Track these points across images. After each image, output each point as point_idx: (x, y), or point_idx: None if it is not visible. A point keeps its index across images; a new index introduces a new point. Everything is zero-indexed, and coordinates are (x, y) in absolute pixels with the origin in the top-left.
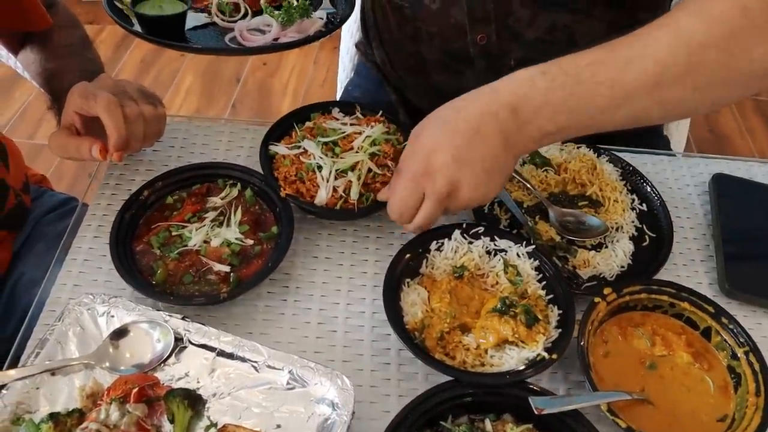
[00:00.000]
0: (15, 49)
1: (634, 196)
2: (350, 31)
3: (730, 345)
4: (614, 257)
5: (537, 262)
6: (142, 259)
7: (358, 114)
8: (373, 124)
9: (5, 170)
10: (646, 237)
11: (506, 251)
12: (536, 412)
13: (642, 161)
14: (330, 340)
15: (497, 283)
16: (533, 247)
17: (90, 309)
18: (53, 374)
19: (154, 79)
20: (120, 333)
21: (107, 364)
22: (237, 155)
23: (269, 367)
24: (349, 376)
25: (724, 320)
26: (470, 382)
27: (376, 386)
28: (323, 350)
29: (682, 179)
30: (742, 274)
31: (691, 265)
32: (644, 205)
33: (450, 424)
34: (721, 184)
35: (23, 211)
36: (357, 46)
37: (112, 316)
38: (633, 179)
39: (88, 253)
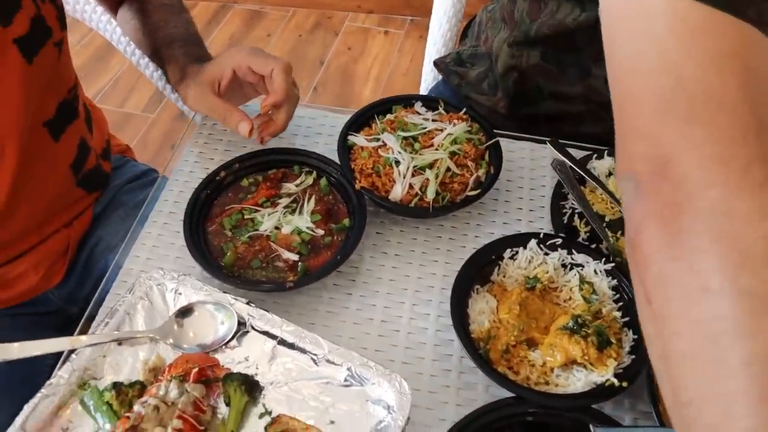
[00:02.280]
0: (113, 8)
1: None
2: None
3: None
4: None
5: (615, 282)
6: (214, 240)
7: (441, 110)
8: (455, 121)
9: (89, 133)
10: None
11: (583, 266)
12: None
13: None
14: (392, 339)
15: (570, 298)
16: (612, 264)
17: (159, 284)
18: (120, 344)
19: None
20: (186, 311)
21: (171, 341)
22: (315, 142)
23: (328, 361)
24: (407, 379)
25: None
26: (532, 401)
27: (435, 392)
28: (384, 349)
29: None
30: None
31: None
32: None
33: None
34: None
35: (102, 175)
36: (436, 63)
37: (180, 294)
38: None
39: (162, 227)
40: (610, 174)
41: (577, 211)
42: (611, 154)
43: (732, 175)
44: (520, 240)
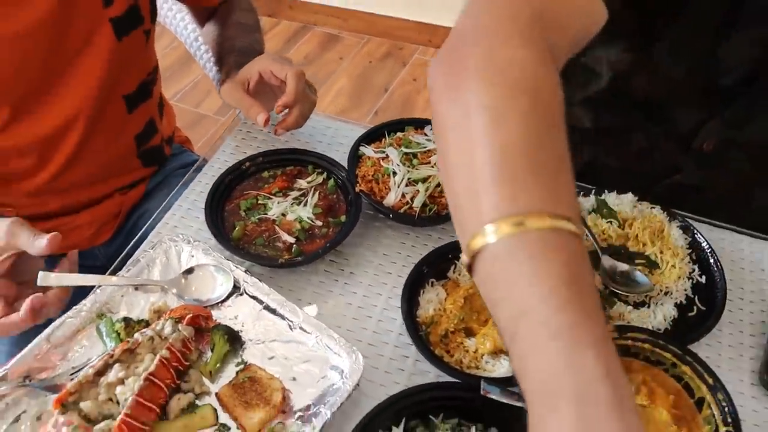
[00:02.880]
0: (202, 21)
1: (696, 267)
2: None
3: (716, 421)
4: (652, 319)
5: None
6: (229, 217)
7: (426, 124)
8: None
9: (158, 117)
10: (695, 308)
11: None
12: (482, 393)
13: (720, 236)
14: (364, 323)
15: None
16: None
17: (177, 246)
18: (136, 289)
19: (312, 75)
20: (192, 270)
21: (175, 291)
22: (336, 150)
23: (302, 329)
24: (367, 358)
25: (720, 396)
26: (456, 379)
27: (390, 373)
28: (355, 330)
29: (759, 263)
30: None
31: (737, 347)
32: (704, 277)
33: (439, 421)
34: None
35: (161, 156)
36: None
37: (192, 256)
38: (700, 250)
39: (192, 203)
40: (591, 212)
41: None
42: (598, 193)
43: (497, 36)
44: None
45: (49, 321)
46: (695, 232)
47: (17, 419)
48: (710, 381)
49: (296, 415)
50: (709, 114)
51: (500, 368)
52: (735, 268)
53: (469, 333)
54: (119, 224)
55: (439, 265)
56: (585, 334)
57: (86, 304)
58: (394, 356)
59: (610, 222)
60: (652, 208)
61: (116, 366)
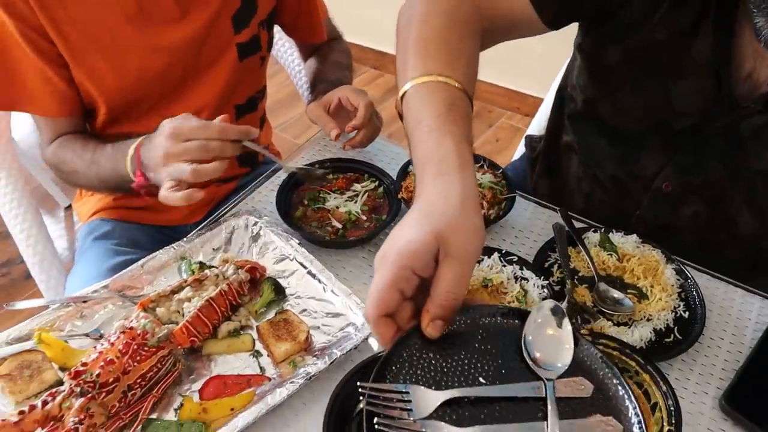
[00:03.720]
0: (306, 57)
1: (682, 304)
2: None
3: (663, 421)
4: (629, 336)
5: (546, 293)
6: (295, 204)
7: (484, 165)
8: (490, 173)
9: (258, 128)
10: (672, 336)
11: (528, 280)
12: None
13: (716, 285)
14: None
15: (514, 301)
16: (546, 282)
17: (251, 219)
18: (214, 249)
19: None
20: (258, 236)
21: (242, 252)
22: (391, 166)
23: (332, 292)
24: None
25: (670, 402)
26: None
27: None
28: None
29: (747, 314)
30: (745, 397)
31: (706, 376)
32: (687, 313)
33: None
34: None
35: (254, 160)
36: (527, 137)
37: (260, 227)
38: (689, 291)
39: (269, 192)
40: (596, 245)
41: (558, 261)
42: (606, 231)
43: None
44: (487, 251)
45: None
46: (689, 276)
47: (111, 318)
48: (664, 388)
49: (314, 353)
50: (668, 157)
51: None
52: (723, 314)
53: None
54: (210, 209)
55: None
56: (450, 131)
57: (174, 247)
58: None
59: (611, 254)
60: (653, 249)
61: (187, 288)
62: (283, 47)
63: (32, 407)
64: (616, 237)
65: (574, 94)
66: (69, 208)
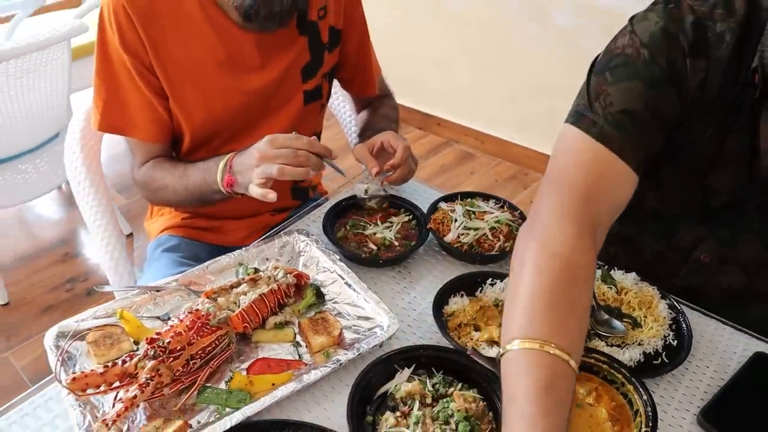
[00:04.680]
0: (359, 109)
1: (672, 333)
2: None
3: (642, 424)
4: (620, 355)
5: None
6: (340, 227)
7: (504, 206)
8: (509, 212)
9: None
10: (660, 359)
11: None
12: (468, 353)
13: (707, 322)
14: (409, 311)
15: None
16: None
17: (301, 238)
18: (267, 259)
19: (443, 182)
20: (304, 252)
21: (290, 262)
22: (425, 204)
23: (364, 299)
24: (404, 331)
25: (649, 408)
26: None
27: (416, 340)
28: (401, 314)
29: (733, 348)
30: (721, 415)
31: (689, 396)
32: (675, 342)
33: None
34: (759, 361)
35: (305, 194)
36: None
37: (308, 244)
38: (679, 322)
39: (317, 218)
40: (597, 279)
41: None
42: (608, 269)
43: (566, 223)
44: (500, 276)
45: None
46: (680, 311)
47: (178, 306)
48: (645, 397)
49: (345, 346)
50: (707, 231)
51: (490, 352)
52: (711, 346)
53: (477, 329)
54: (264, 234)
55: (470, 284)
56: (542, 426)
57: (234, 254)
58: (423, 336)
59: (611, 287)
60: (652, 287)
61: (244, 285)
62: (338, 100)
63: (114, 363)
64: (617, 274)
65: None
66: (129, 236)
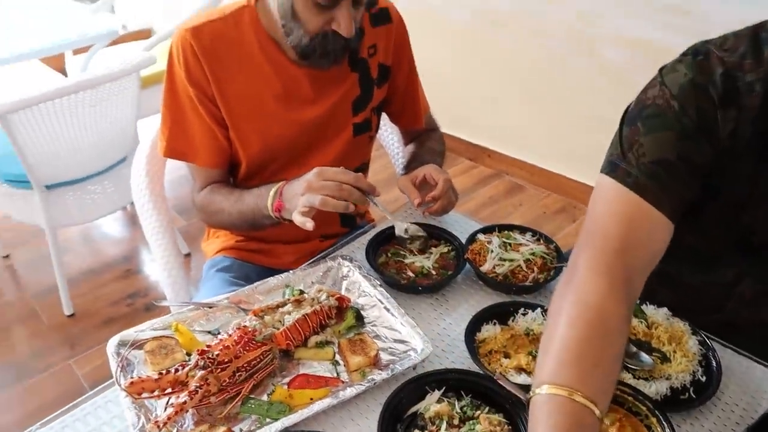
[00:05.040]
0: (406, 142)
1: (701, 369)
2: None
3: None
4: (646, 388)
5: None
6: (380, 255)
7: (540, 239)
8: (544, 245)
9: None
10: (687, 394)
11: None
12: (495, 378)
13: (737, 359)
14: (443, 336)
15: None
16: None
17: (345, 263)
18: (312, 284)
19: (491, 213)
20: (347, 276)
21: (334, 286)
22: (463, 235)
23: (401, 324)
24: (437, 355)
25: None
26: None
27: (447, 363)
28: (435, 338)
29: (764, 386)
30: None
31: (719, 430)
32: (704, 378)
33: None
34: None
35: (353, 222)
36: None
37: (351, 269)
38: (709, 359)
39: (361, 246)
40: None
41: None
42: (640, 303)
43: (599, 276)
44: (532, 306)
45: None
46: (711, 347)
47: (228, 322)
48: (668, 430)
49: (380, 367)
50: (749, 267)
51: (517, 379)
52: (741, 384)
53: (507, 356)
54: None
55: (503, 313)
56: None
57: (281, 277)
58: (455, 357)
59: (641, 321)
60: (683, 323)
61: (289, 305)
62: (387, 132)
63: (167, 371)
64: (648, 308)
65: None
66: (187, 255)
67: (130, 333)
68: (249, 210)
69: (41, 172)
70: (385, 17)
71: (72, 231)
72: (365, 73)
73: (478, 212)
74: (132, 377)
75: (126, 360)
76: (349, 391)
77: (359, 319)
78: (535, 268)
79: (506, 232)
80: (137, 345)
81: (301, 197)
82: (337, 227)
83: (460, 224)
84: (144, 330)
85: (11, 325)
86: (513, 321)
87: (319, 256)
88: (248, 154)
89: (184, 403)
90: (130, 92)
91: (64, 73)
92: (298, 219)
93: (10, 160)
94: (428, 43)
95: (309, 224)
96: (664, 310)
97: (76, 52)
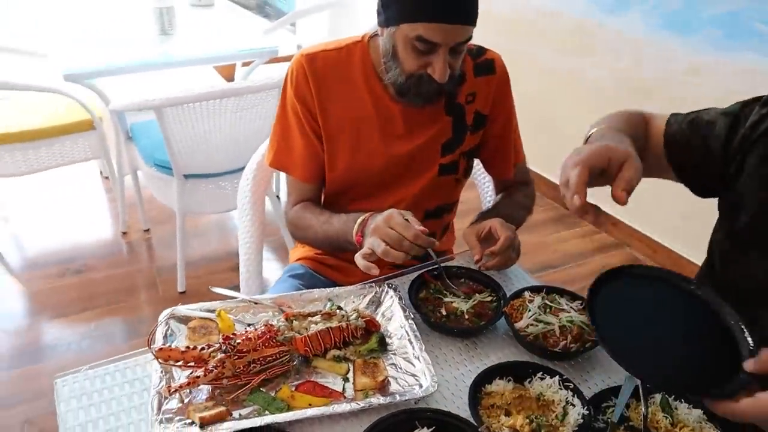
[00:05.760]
0: (497, 191)
1: None
2: None
3: None
4: None
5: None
6: (429, 287)
7: (583, 305)
8: (584, 315)
9: (439, 234)
10: None
11: (574, 406)
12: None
13: None
14: (458, 382)
15: (554, 419)
16: (588, 412)
17: (389, 291)
18: (353, 301)
19: None
20: (386, 303)
21: (370, 308)
22: (510, 288)
23: (417, 358)
24: (446, 399)
25: None
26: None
27: (448, 406)
28: (449, 380)
29: None
30: None
31: None
32: None
33: None
34: None
35: (423, 257)
36: None
37: (391, 298)
38: None
39: (406, 283)
40: (656, 404)
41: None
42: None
43: None
44: (550, 372)
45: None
46: None
47: (269, 319)
48: None
49: (384, 393)
50: None
51: None
52: None
53: (508, 414)
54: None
55: (520, 373)
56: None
57: (328, 290)
58: (461, 404)
59: (667, 417)
60: (714, 429)
61: (318, 316)
62: (482, 176)
63: (195, 347)
64: (681, 406)
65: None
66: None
67: (182, 309)
68: (335, 233)
69: (182, 163)
70: (489, 68)
71: (209, 218)
72: (460, 119)
73: (588, 279)
74: (166, 345)
75: (171, 330)
76: (345, 407)
77: (382, 344)
78: (570, 336)
79: (554, 295)
80: (186, 320)
81: (369, 238)
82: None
83: (519, 279)
84: (195, 309)
85: (134, 290)
86: (529, 382)
87: (372, 280)
88: (333, 176)
89: (198, 377)
90: (269, 104)
91: (231, 80)
92: (360, 262)
93: (161, 148)
94: (569, 101)
95: (374, 270)
96: (699, 412)
97: (245, 63)
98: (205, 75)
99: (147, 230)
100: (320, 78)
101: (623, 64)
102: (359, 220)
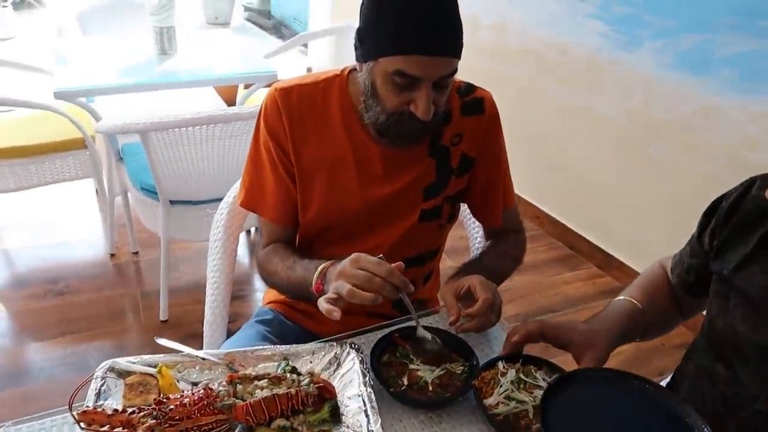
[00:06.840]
0: (487, 236)
1: None
2: None
3: None
4: None
5: None
6: (395, 350)
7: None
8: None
9: (421, 283)
10: None
11: None
12: None
13: None
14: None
15: None
16: None
17: (351, 352)
18: (311, 362)
19: None
20: (346, 365)
21: (328, 371)
22: (487, 353)
23: (375, 425)
24: None
25: None
26: None
27: None
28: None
29: None
30: None
31: None
32: None
33: None
34: None
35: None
36: None
37: (352, 361)
38: None
39: (372, 342)
40: None
41: None
42: None
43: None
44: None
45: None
46: None
47: (215, 377)
48: None
49: None
50: None
51: None
52: None
53: None
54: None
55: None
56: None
57: (283, 348)
58: None
59: None
60: None
61: (266, 380)
62: (471, 222)
63: (123, 411)
64: None
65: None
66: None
67: (122, 362)
68: (298, 281)
69: (168, 188)
70: (478, 108)
71: (200, 243)
72: (444, 161)
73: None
74: (94, 406)
75: (107, 386)
76: None
77: (335, 415)
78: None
79: (531, 366)
80: (125, 374)
81: (333, 283)
82: (388, 309)
83: (499, 341)
84: (136, 363)
85: (116, 316)
86: None
87: (332, 337)
88: (306, 218)
89: None
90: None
91: (233, 102)
92: (322, 306)
93: (148, 171)
94: (578, 139)
95: (336, 314)
96: None
97: (247, 85)
98: (205, 96)
99: (136, 253)
100: (294, 114)
101: (634, 103)
102: (320, 268)
